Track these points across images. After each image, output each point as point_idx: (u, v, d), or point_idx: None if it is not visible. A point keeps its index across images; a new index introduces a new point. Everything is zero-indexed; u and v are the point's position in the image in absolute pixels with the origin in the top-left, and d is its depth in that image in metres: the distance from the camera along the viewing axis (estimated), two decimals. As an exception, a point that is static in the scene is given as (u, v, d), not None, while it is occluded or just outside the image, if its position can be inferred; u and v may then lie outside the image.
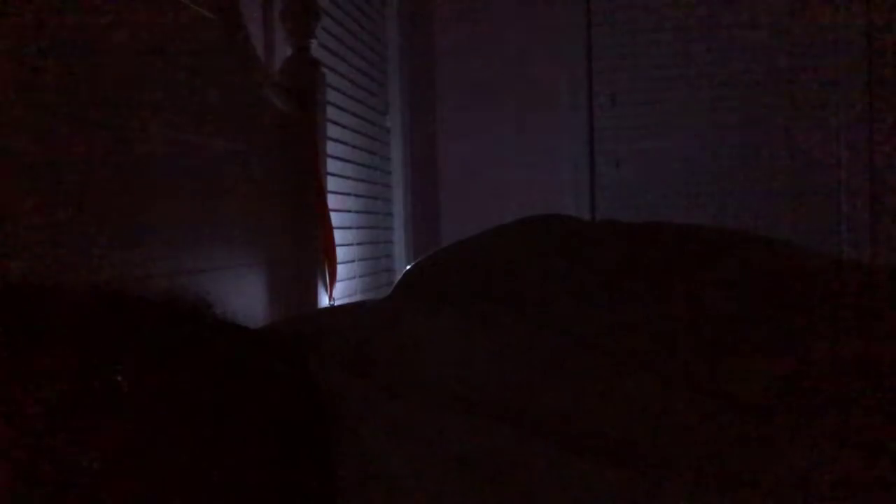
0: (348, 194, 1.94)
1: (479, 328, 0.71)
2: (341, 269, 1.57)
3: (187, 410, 0.51)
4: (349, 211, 1.94)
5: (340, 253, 1.58)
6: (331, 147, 1.67)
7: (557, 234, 0.93)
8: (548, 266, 0.84)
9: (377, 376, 0.65)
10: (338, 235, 1.59)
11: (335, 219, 1.59)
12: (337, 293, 1.52)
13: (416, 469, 0.54)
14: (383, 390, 0.61)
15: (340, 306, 1.39)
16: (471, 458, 0.54)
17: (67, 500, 0.43)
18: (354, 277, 1.95)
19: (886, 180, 2.40)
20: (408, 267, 1.07)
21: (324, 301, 1.45)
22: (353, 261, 1.94)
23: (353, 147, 2.01)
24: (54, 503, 0.42)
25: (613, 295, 0.77)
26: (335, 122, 1.80)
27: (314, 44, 1.47)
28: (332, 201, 1.64)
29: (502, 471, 0.53)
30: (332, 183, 1.70)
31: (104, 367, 0.49)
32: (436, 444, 0.55)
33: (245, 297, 1.18)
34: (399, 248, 2.43)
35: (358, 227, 2.03)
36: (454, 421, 0.58)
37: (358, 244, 2.01)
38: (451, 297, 0.80)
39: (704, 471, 0.55)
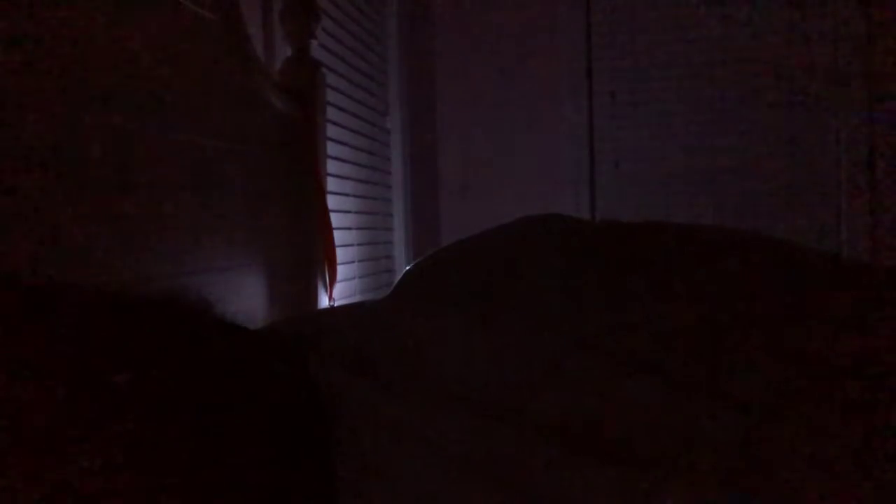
0: (348, 195, 1.94)
1: (479, 328, 0.71)
2: (341, 270, 1.57)
3: (187, 410, 0.51)
4: (349, 211, 1.94)
5: (340, 253, 1.58)
6: (331, 148, 1.67)
7: (557, 234, 0.93)
8: (548, 266, 0.84)
9: (377, 376, 0.65)
10: (338, 236, 1.59)
11: (335, 219, 1.59)
12: (337, 294, 1.52)
13: (416, 469, 0.54)
14: (383, 390, 0.61)
15: (340, 306, 1.39)
16: (471, 458, 0.54)
17: (67, 500, 0.43)
18: (354, 278, 1.95)
19: (886, 180, 2.40)
20: (407, 267, 1.07)
21: (324, 301, 1.45)
22: (353, 261, 1.94)
23: (353, 148, 2.01)
24: (55, 502, 0.42)
25: (613, 295, 0.77)
26: (335, 123, 1.80)
27: (314, 44, 1.47)
28: (332, 202, 1.64)
29: (503, 471, 0.53)
30: (331, 183, 1.70)
31: (104, 366, 0.49)
32: (436, 445, 0.55)
33: (245, 297, 1.18)
34: (399, 248, 2.43)
35: (358, 228, 2.03)
36: (454, 421, 0.58)
37: (358, 244, 2.01)
38: (451, 298, 0.80)
39: (704, 471, 0.55)
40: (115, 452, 0.45)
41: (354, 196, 2.00)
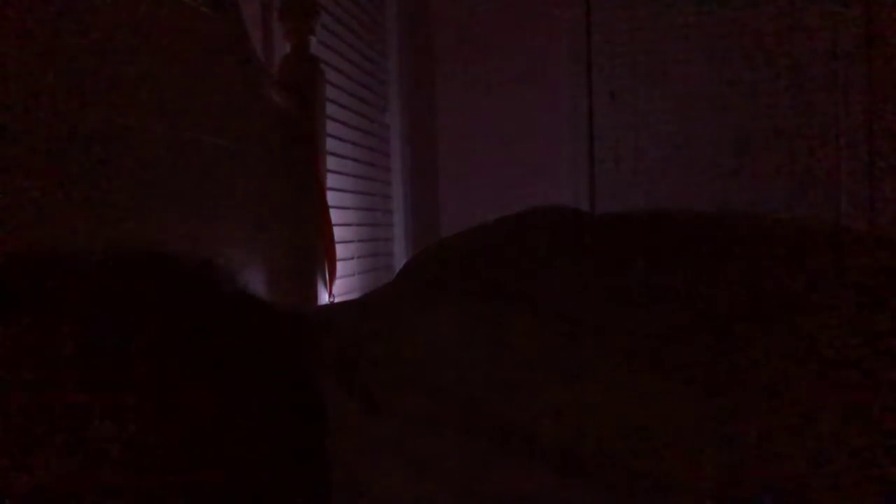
0: (348, 191, 1.94)
1: (479, 324, 0.71)
2: (341, 267, 1.57)
3: (187, 402, 0.51)
4: (349, 208, 1.94)
5: (340, 250, 1.58)
6: (330, 144, 1.66)
7: (558, 228, 0.93)
8: (548, 261, 0.83)
9: (369, 385, 0.64)
10: (337, 233, 1.59)
11: (334, 216, 1.59)
12: (336, 290, 1.51)
13: (402, 488, 0.54)
14: (370, 406, 0.61)
15: (340, 303, 1.38)
16: (460, 480, 0.54)
17: (62, 462, 0.43)
18: (354, 275, 1.95)
19: (886, 180, 2.40)
20: (406, 261, 1.06)
21: (324, 299, 1.45)
22: (352, 258, 1.94)
23: (353, 144, 2.01)
24: (58, 464, 0.43)
25: (616, 289, 0.76)
26: (334, 119, 1.80)
27: (313, 41, 1.46)
28: (332, 199, 1.64)
29: (494, 493, 0.53)
30: (331, 180, 1.70)
31: (116, 334, 0.49)
32: (424, 465, 0.55)
33: (244, 295, 1.18)
34: (399, 245, 2.43)
35: (358, 225, 2.03)
36: (445, 442, 0.57)
37: (358, 241, 2.01)
38: (449, 292, 0.79)
39: (706, 479, 0.55)
40: (117, 434, 0.45)
41: (354, 192, 2.00)
